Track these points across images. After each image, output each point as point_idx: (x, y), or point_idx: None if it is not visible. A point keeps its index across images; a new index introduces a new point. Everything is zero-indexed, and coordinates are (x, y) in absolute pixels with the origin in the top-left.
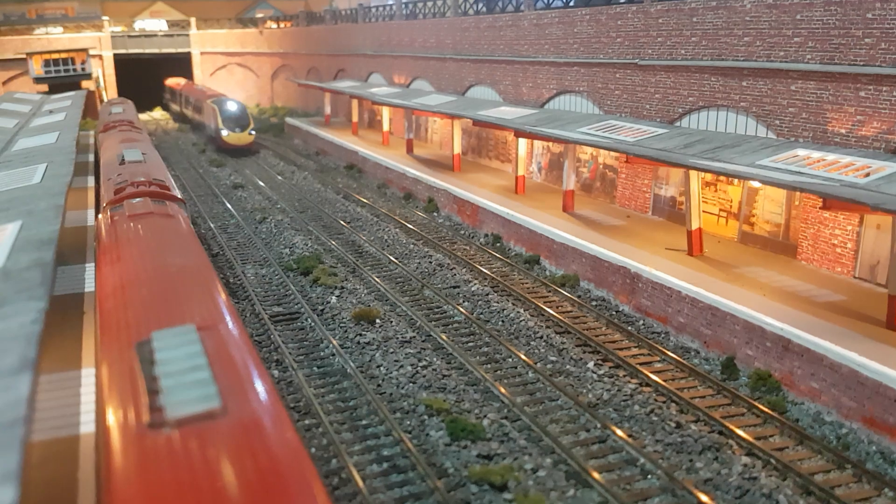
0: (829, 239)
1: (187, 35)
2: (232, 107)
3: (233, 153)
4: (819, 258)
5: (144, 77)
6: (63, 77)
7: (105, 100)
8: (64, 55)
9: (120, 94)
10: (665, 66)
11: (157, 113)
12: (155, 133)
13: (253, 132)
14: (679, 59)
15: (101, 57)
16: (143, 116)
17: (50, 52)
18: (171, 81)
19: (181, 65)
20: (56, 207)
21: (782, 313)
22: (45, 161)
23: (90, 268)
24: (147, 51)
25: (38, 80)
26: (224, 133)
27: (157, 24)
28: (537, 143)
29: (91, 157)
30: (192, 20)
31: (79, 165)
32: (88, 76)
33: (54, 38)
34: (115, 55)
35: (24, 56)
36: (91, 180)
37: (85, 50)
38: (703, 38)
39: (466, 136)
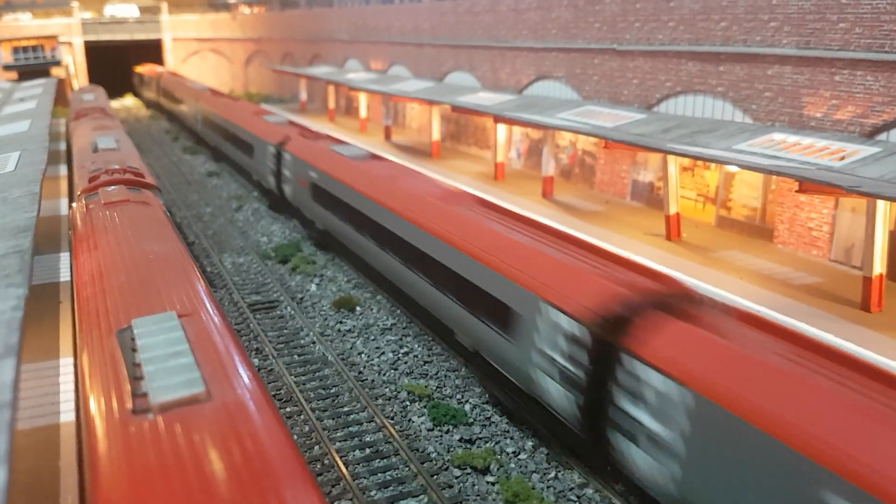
0: (805, 222)
1: (159, 21)
2: None
3: None
4: (795, 241)
5: (115, 64)
6: (33, 65)
7: (76, 87)
8: (33, 42)
9: (90, 81)
10: (643, 52)
11: (129, 100)
12: (126, 121)
13: None
14: (657, 45)
15: (70, 44)
16: (114, 104)
17: (19, 39)
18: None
19: (152, 51)
20: (32, 195)
21: (759, 296)
22: (19, 149)
23: (65, 257)
24: (118, 37)
25: (7, 68)
26: None
27: (127, 10)
28: (516, 130)
29: (63, 146)
30: (164, 5)
31: (50, 154)
32: (58, 63)
33: (23, 24)
34: (85, 42)
35: None
36: (64, 169)
37: (54, 37)
38: (681, 23)
39: (445, 122)
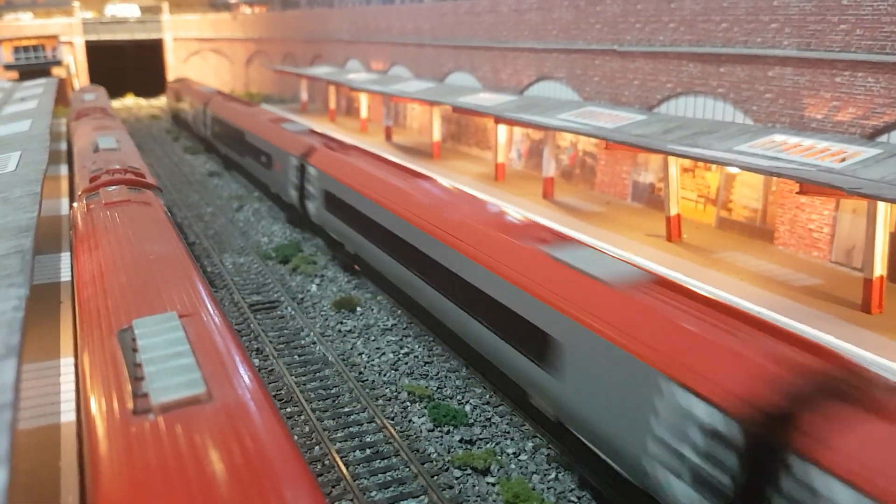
0: (806, 224)
1: (160, 20)
2: None
3: None
4: (796, 243)
5: (115, 63)
6: (34, 64)
7: (76, 87)
8: (34, 42)
9: (91, 80)
10: (644, 53)
11: (129, 100)
12: (127, 121)
13: None
14: (657, 46)
15: (71, 43)
16: (115, 104)
17: (20, 39)
18: None
19: (153, 51)
20: (33, 195)
21: (759, 297)
22: (20, 149)
23: (66, 257)
24: (119, 37)
25: (8, 68)
26: None
27: (128, 10)
28: (517, 130)
29: (64, 146)
30: (165, 5)
31: (51, 154)
32: (59, 63)
33: (24, 24)
34: (86, 42)
35: None
36: (64, 169)
37: (55, 36)
38: (682, 24)
39: (446, 123)
